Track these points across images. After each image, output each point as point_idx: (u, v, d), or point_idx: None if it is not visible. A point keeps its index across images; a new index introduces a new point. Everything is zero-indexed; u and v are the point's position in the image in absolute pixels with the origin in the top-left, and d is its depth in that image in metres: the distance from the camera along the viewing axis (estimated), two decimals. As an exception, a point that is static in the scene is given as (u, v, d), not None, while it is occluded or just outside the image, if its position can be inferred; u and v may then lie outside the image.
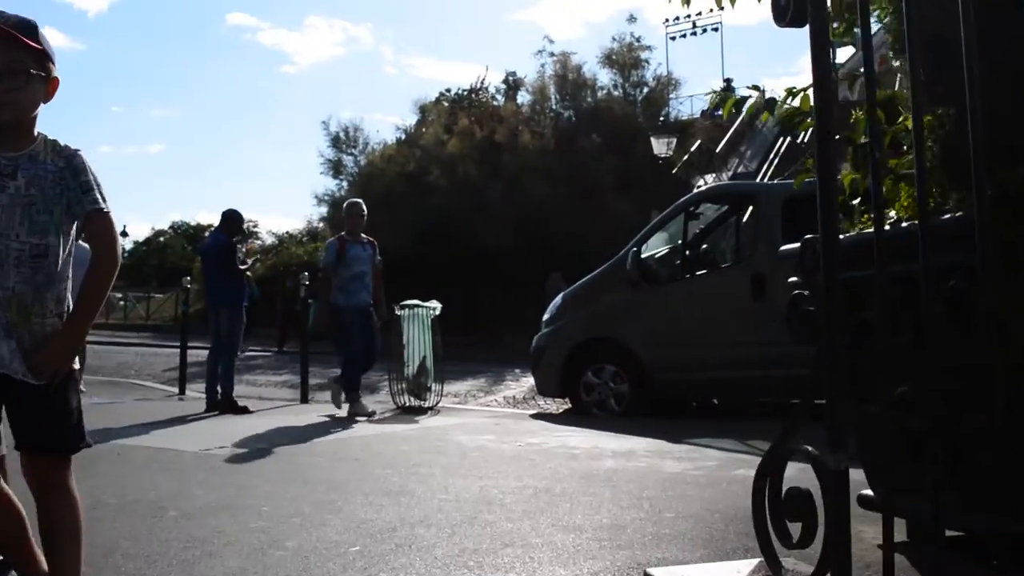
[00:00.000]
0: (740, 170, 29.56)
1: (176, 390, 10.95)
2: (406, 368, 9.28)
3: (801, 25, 2.31)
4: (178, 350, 11.38)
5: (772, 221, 8.16)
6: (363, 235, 8.89)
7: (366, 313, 8.62)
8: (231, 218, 9.28)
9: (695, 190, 9.83)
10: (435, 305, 9.56)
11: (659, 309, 8.67)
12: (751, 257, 8.35)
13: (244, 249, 10.14)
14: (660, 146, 19.02)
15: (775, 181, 8.63)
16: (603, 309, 9.00)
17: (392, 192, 23.44)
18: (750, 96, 4.74)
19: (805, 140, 29.28)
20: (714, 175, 28.22)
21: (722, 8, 4.63)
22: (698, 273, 8.74)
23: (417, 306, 9.52)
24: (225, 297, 8.98)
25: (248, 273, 9.28)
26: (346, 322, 8.46)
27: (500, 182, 22.12)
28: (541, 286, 19.02)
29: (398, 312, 9.44)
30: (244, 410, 8.63)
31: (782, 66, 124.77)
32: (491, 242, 21.56)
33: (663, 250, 9.46)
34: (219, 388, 8.85)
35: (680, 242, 9.01)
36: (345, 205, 9.57)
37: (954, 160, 2.88)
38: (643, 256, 8.96)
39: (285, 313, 19.54)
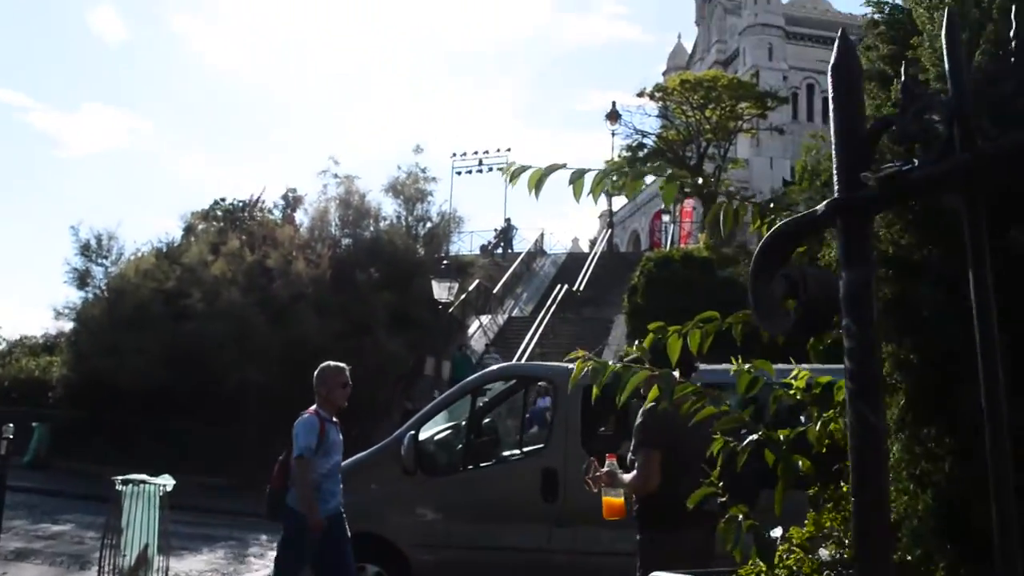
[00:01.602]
0: (516, 312, 29.41)
1: None
2: (122, 558, 7.62)
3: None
4: None
5: (570, 409, 7.30)
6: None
7: (338, 520, 6.64)
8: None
9: (487, 370, 8.82)
10: (166, 481, 7.98)
11: (436, 504, 7.58)
12: (545, 449, 7.45)
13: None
14: (441, 290, 18.26)
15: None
16: (370, 499, 7.73)
17: (145, 312, 21.30)
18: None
19: (581, 288, 29.75)
20: (490, 316, 27.84)
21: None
22: (483, 465, 7.74)
23: (143, 482, 7.91)
24: None
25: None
26: (310, 534, 6.31)
27: (267, 311, 20.53)
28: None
29: (119, 487, 7.80)
30: None
31: (560, 204, 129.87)
32: (252, 376, 19.83)
33: (444, 433, 8.36)
34: None
35: (465, 427, 7.99)
36: (326, 369, 6.95)
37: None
38: (421, 440, 7.82)
39: None
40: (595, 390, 2.78)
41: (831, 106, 1.55)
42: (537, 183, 2.69)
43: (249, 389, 20.23)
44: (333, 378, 6.57)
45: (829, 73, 1.55)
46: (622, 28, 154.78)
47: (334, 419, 6.64)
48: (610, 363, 2.98)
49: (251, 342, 20.11)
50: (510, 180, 2.74)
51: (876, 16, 2.98)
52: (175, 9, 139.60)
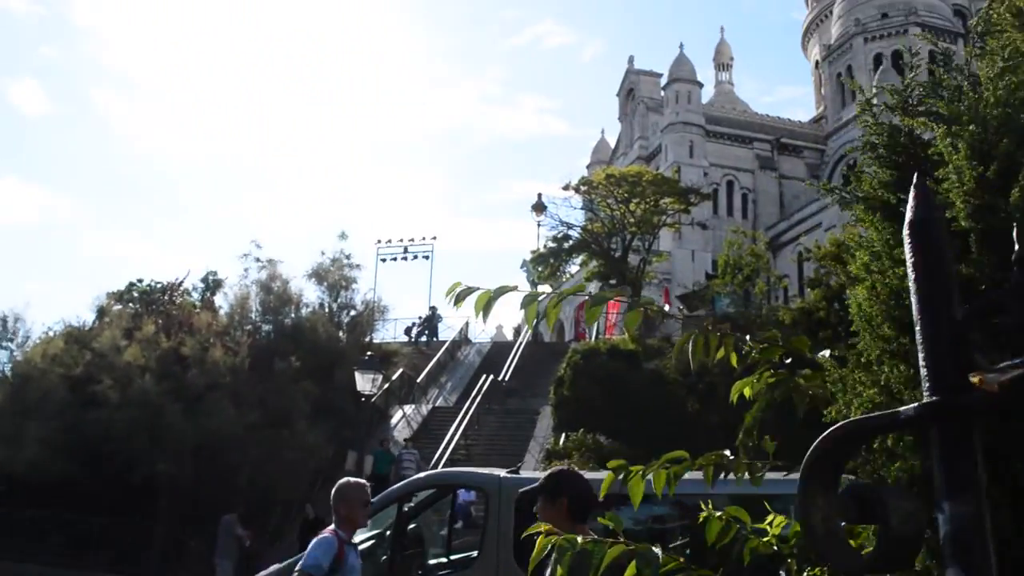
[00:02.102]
0: (440, 402, 28.89)
1: None
2: None
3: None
4: None
5: (503, 520, 6.92)
6: None
7: None
8: None
9: (416, 478, 8.34)
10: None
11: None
12: (476, 562, 7.04)
13: None
14: (364, 382, 17.78)
15: (510, 473, 7.33)
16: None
17: (51, 399, 20.33)
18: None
19: (506, 378, 29.46)
20: (413, 406, 27.28)
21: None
22: (410, 580, 7.29)
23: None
24: None
25: None
26: None
27: (182, 400, 19.75)
28: (216, 525, 16.71)
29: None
30: None
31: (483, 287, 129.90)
32: (163, 468, 18.95)
33: (367, 543, 7.86)
34: None
35: (390, 538, 7.52)
36: (346, 486, 5.90)
37: None
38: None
39: None
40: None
41: (909, 273, 1.17)
42: (485, 307, 2.40)
43: (160, 481, 19.35)
44: (354, 495, 5.82)
45: (906, 231, 1.18)
46: (547, 122, 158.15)
47: (354, 540, 5.87)
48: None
49: (163, 432, 19.27)
50: (455, 304, 2.44)
51: (873, 139, 2.75)
52: (98, 85, 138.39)
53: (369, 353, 20.19)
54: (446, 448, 22.10)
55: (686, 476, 2.18)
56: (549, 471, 4.31)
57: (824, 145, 57.08)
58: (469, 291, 2.38)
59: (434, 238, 40.66)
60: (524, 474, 7.38)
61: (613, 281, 35.23)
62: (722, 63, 71.71)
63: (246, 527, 16.52)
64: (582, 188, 34.42)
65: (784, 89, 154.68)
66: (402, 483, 8.04)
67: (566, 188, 35.01)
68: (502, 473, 7.30)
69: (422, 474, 7.93)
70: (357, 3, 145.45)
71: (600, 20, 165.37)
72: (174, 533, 19.10)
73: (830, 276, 29.10)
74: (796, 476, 1.19)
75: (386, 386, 25.07)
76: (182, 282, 26.37)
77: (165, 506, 19.32)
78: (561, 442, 21.18)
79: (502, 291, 2.40)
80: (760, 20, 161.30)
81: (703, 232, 48.41)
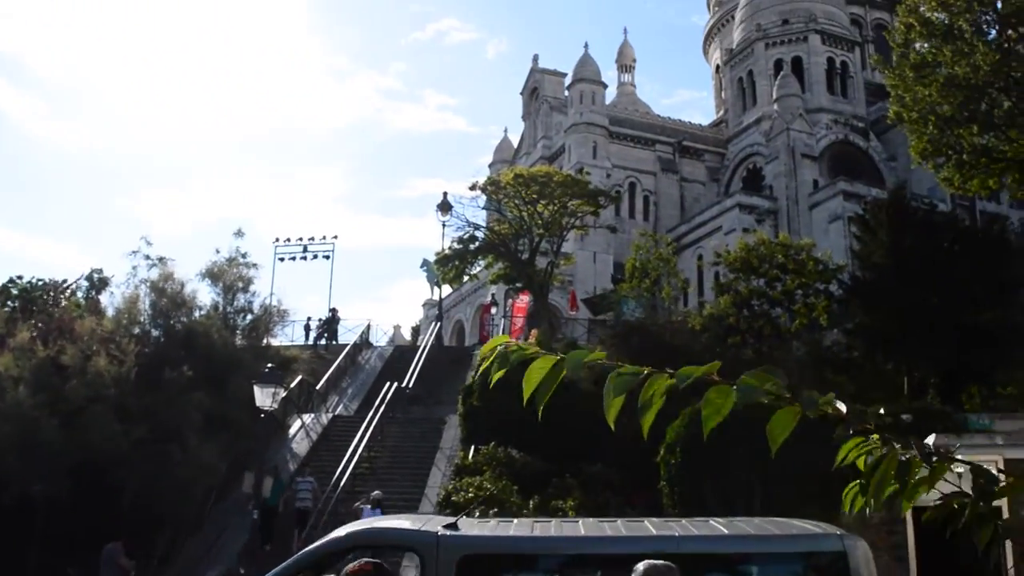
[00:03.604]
0: (341, 410, 27.67)
1: None
2: None
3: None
4: None
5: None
6: None
7: None
8: None
9: (332, 538, 7.26)
10: None
11: None
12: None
13: None
14: (264, 396, 16.53)
15: (448, 529, 6.33)
16: None
17: (-91, 412, 18.45)
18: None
19: (410, 385, 28.39)
20: (313, 415, 26.01)
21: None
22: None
23: None
24: None
25: None
26: None
27: (60, 415, 18.10)
28: (99, 552, 15.29)
29: None
30: None
31: (385, 289, 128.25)
32: (38, 488, 17.34)
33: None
34: None
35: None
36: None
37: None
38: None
39: None
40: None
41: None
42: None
43: (35, 503, 17.70)
44: None
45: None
46: (450, 119, 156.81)
47: None
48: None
49: (38, 449, 17.62)
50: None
51: None
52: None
53: (269, 365, 18.87)
54: (348, 461, 20.97)
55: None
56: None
57: (725, 149, 57.54)
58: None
59: (335, 237, 39.47)
60: (466, 529, 6.42)
61: (519, 284, 34.48)
62: (625, 64, 71.83)
63: (130, 555, 15.17)
64: (489, 188, 33.53)
65: (683, 92, 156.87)
66: (315, 546, 6.83)
67: (473, 188, 34.09)
68: (439, 529, 6.33)
69: (340, 532, 6.82)
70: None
71: (504, 18, 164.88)
72: (50, 560, 17.47)
73: (739, 282, 29.10)
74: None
75: (284, 394, 23.76)
76: (69, 284, 24.47)
77: (40, 530, 17.66)
78: (471, 456, 20.27)
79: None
80: (661, 23, 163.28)
81: (605, 234, 48.13)
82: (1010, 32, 23.81)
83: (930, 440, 1.69)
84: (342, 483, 19.95)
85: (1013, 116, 24.27)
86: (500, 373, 1.78)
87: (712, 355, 23.70)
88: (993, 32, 23.90)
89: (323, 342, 34.71)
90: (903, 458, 1.66)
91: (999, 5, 23.83)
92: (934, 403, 19.91)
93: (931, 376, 23.65)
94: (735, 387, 1.61)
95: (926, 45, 24.85)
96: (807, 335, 27.33)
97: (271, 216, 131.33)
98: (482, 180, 35.52)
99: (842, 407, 1.64)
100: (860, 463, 1.84)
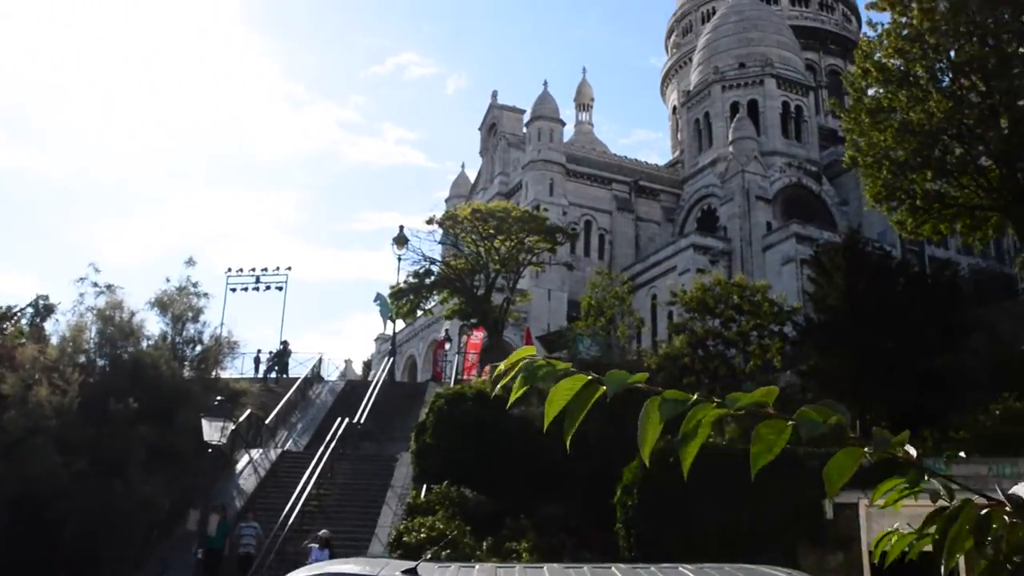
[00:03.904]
0: (290, 446, 27.11)
1: None
2: None
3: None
4: None
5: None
6: None
7: None
8: None
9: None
10: None
11: None
12: None
13: None
14: (212, 431, 16.05)
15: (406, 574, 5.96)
16: None
17: None
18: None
19: (362, 420, 27.91)
20: (261, 450, 25.43)
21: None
22: None
23: None
24: None
25: None
26: None
27: (-2, 446, 17.49)
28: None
29: None
30: None
31: (337, 322, 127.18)
32: (-29, 523, 16.67)
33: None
34: None
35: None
36: None
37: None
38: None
39: None
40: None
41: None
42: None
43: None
44: None
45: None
46: (407, 153, 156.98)
47: None
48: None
49: (-26, 482, 16.97)
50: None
51: None
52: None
53: (219, 398, 18.38)
54: (297, 499, 20.47)
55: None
56: None
57: (680, 189, 58.03)
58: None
59: (288, 268, 38.89)
60: (426, 575, 6.12)
61: (474, 320, 34.24)
62: (583, 103, 72.46)
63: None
64: (447, 222, 33.36)
65: (640, 132, 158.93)
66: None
67: (429, 222, 33.93)
68: (398, 575, 6.02)
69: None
70: (210, 16, 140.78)
71: (464, 54, 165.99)
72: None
73: (695, 322, 29.14)
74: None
75: (232, 427, 23.20)
76: (15, 311, 23.75)
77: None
78: (423, 495, 19.88)
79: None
80: (620, 63, 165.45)
81: (560, 272, 48.12)
82: (963, 81, 24.30)
83: (1019, 489, 1.49)
84: (290, 521, 19.45)
85: (965, 163, 24.72)
86: (522, 390, 1.52)
87: (668, 395, 23.68)
88: (947, 80, 24.38)
89: (273, 375, 34.10)
90: (982, 512, 1.46)
91: (952, 54, 24.34)
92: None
93: (883, 419, 23.76)
94: (793, 421, 1.39)
95: (882, 90, 25.27)
96: (761, 376, 27.37)
97: (224, 246, 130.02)
98: (439, 214, 35.38)
99: (912, 451, 1.44)
100: (896, 506, 1.66)
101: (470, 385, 24.51)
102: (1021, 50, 22.85)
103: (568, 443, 1.52)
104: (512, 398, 1.60)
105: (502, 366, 1.61)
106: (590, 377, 1.51)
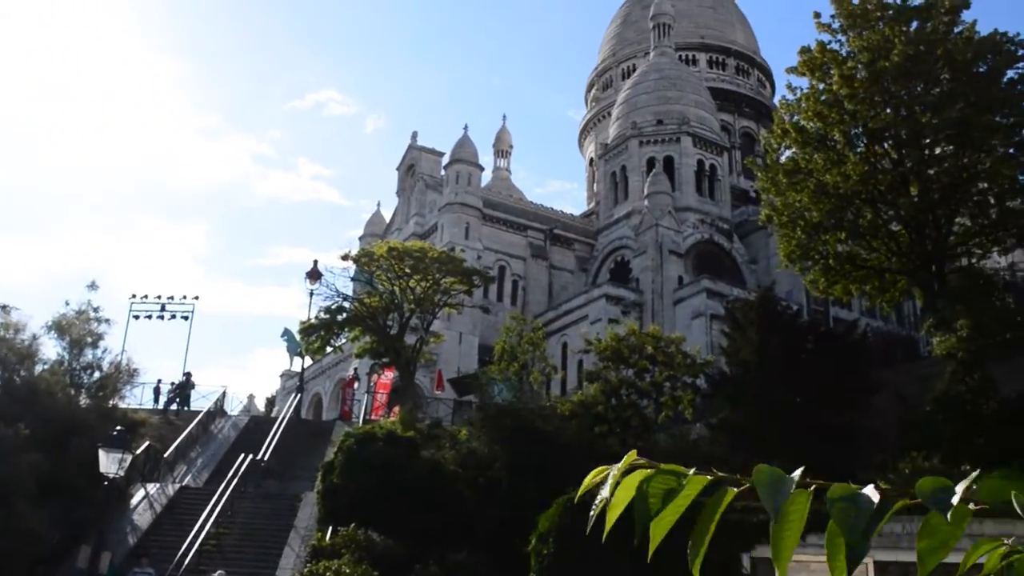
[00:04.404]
0: (189, 481, 26.05)
1: None
2: None
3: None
4: None
5: None
6: None
7: None
8: None
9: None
10: None
11: None
12: None
13: None
14: (110, 462, 15.23)
15: None
16: None
17: None
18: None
19: (265, 458, 27.01)
20: (159, 485, 24.37)
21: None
22: None
23: None
24: None
25: None
26: None
27: None
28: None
29: None
30: None
31: (242, 357, 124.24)
32: None
33: None
34: None
35: None
36: None
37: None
38: None
39: None
40: None
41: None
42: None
43: None
44: None
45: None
46: (321, 190, 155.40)
47: None
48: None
49: None
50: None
51: None
52: None
53: (119, 428, 17.51)
54: (195, 538, 19.59)
55: None
56: None
57: (594, 240, 58.59)
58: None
59: (196, 297, 37.70)
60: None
61: (386, 359, 33.66)
62: (502, 150, 72.88)
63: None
64: (362, 259, 32.85)
65: (555, 182, 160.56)
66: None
67: (345, 257, 33.34)
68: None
69: None
70: (126, 44, 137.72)
71: (385, 95, 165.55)
72: None
73: (609, 371, 29.15)
74: None
75: (128, 460, 22.17)
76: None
77: None
78: (328, 537, 19.24)
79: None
80: (538, 114, 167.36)
81: (472, 316, 47.86)
82: (877, 147, 25.08)
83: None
84: (186, 561, 18.61)
85: (876, 227, 25.44)
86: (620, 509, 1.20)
87: (582, 443, 23.50)
88: (862, 145, 25.14)
89: (174, 407, 32.88)
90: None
91: (868, 122, 25.12)
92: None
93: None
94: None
95: (799, 152, 25.93)
96: (672, 427, 27.49)
97: (129, 274, 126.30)
98: (354, 251, 34.86)
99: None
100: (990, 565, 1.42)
101: (380, 425, 23.97)
102: (934, 121, 23.71)
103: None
104: (611, 519, 1.26)
105: (591, 478, 1.28)
106: (690, 476, 1.23)
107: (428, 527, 19.29)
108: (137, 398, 30.99)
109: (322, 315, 33.25)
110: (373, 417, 32.68)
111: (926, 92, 24.75)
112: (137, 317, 36.55)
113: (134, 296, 37.02)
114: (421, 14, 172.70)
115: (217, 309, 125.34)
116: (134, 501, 22.88)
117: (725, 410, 25.81)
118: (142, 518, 22.08)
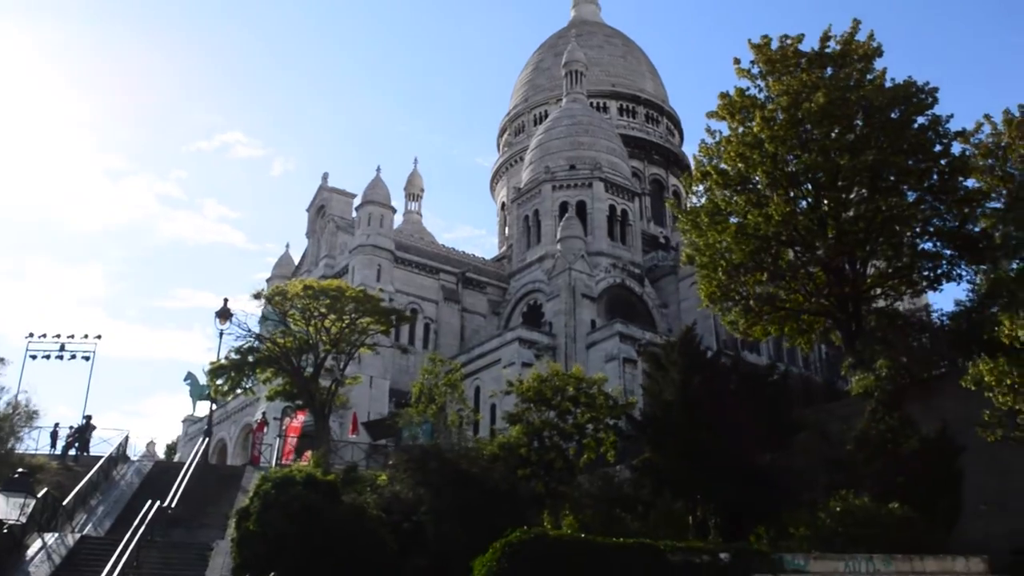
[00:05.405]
0: (90, 530, 24.56)
1: None
2: None
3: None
4: None
5: None
6: None
7: None
8: None
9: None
10: None
11: None
12: None
13: None
14: (10, 508, 14.11)
15: None
16: None
17: None
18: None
19: (172, 505, 25.68)
20: (57, 534, 22.88)
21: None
22: None
23: None
24: None
25: None
26: None
27: None
28: None
29: None
30: None
31: (142, 402, 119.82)
32: None
33: None
34: None
35: None
36: None
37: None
38: None
39: None
40: None
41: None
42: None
43: None
44: None
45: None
46: (227, 232, 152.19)
47: None
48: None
49: None
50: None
51: None
52: None
53: (20, 470, 16.31)
54: (99, 590, 18.36)
55: None
56: None
57: (507, 284, 58.43)
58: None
59: (98, 336, 35.96)
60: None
61: (300, 402, 32.63)
62: (413, 193, 72.51)
63: None
64: (276, 298, 31.90)
65: (465, 228, 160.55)
66: None
67: (257, 296, 32.35)
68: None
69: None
70: (25, 77, 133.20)
71: (293, 137, 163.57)
72: None
73: (531, 413, 28.72)
74: None
75: (33, 504, 20.75)
76: None
77: None
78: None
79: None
80: (448, 160, 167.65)
81: (382, 359, 47.02)
82: (796, 190, 25.49)
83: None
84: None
85: (795, 268, 25.76)
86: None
87: (508, 485, 22.96)
88: (781, 188, 25.50)
89: (73, 452, 31.15)
90: None
91: (786, 166, 25.52)
92: (715, 542, 19.94)
93: (716, 515, 23.87)
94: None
95: (720, 193, 26.17)
96: (595, 469, 27.14)
97: (24, 315, 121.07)
98: (266, 291, 33.87)
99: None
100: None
101: (299, 468, 23.01)
102: (850, 164, 24.19)
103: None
104: None
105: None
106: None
107: (349, 574, 18.48)
108: (34, 443, 29.28)
109: (233, 355, 32.10)
110: (284, 462, 31.55)
111: (842, 136, 25.30)
112: (35, 357, 34.75)
113: (31, 335, 35.18)
114: (330, 58, 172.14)
115: (117, 353, 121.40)
116: (30, 552, 21.37)
117: (648, 452, 25.62)
118: (39, 570, 20.60)
